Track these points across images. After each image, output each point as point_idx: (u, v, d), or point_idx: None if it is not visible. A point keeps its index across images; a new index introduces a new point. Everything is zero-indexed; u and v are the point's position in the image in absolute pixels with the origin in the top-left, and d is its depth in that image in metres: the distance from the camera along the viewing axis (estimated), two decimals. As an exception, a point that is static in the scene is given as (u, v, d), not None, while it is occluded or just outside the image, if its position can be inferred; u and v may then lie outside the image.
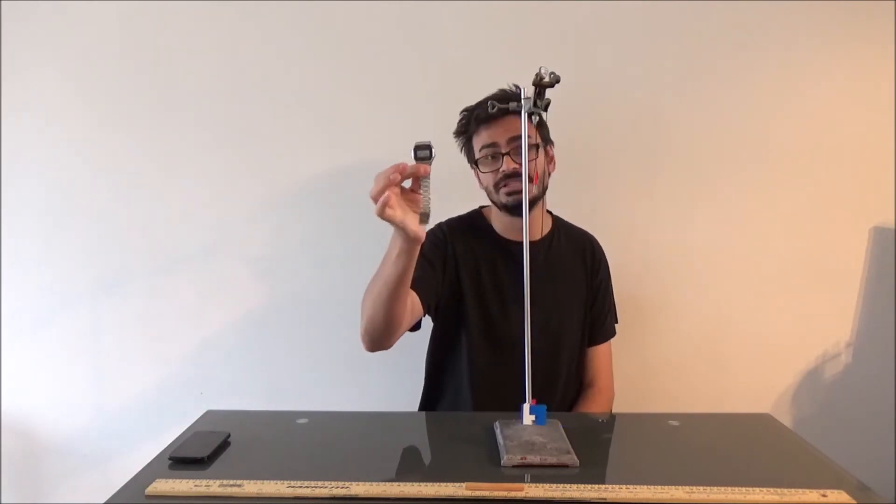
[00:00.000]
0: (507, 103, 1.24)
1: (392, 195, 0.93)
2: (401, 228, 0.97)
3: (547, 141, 1.37)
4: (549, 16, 1.65)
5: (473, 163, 1.39)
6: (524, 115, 1.00)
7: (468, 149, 1.40)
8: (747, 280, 1.72)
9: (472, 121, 1.35)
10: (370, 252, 1.74)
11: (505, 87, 1.34)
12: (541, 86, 0.96)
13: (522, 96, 0.99)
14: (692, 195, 1.70)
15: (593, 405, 1.42)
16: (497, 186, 1.33)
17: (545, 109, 0.99)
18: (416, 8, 1.67)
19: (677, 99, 1.68)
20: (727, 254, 1.71)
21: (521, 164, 1.28)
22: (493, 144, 1.32)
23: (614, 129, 1.69)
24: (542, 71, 0.94)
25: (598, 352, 1.47)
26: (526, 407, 1.00)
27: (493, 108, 1.14)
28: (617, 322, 1.51)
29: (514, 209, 1.32)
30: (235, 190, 1.75)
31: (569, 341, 1.41)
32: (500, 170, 1.31)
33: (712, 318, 1.73)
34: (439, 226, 1.46)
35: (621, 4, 1.65)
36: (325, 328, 1.77)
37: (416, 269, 1.27)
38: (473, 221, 1.47)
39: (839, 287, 1.71)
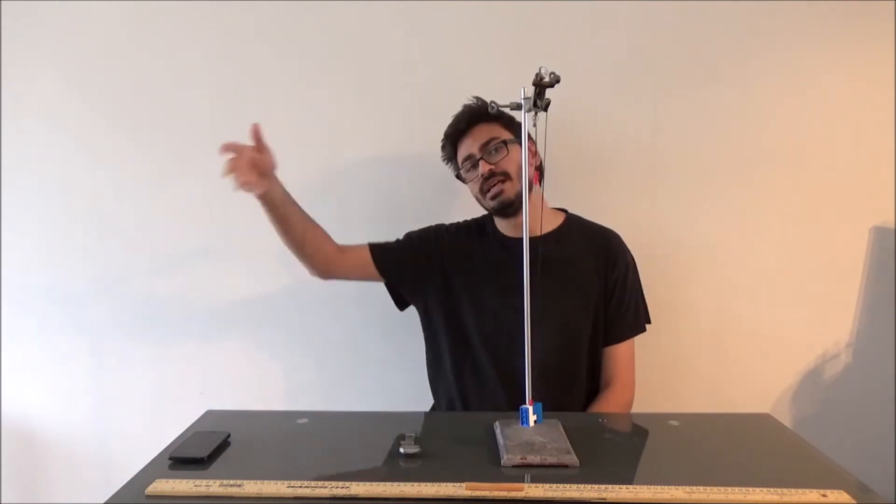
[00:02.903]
0: (476, 114, 1.36)
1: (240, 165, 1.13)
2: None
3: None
4: (550, 15, 1.65)
5: (461, 179, 1.43)
6: (524, 115, 1.00)
7: (455, 167, 1.45)
8: (747, 280, 1.71)
9: (448, 143, 1.42)
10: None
11: (468, 101, 1.40)
12: (541, 86, 0.96)
13: (522, 96, 0.99)
14: (692, 195, 1.70)
15: (607, 406, 1.37)
16: (483, 193, 1.37)
17: (545, 109, 0.99)
18: (415, 7, 1.67)
19: (678, 99, 1.67)
20: (727, 253, 1.71)
21: (495, 165, 1.34)
22: (470, 156, 1.37)
23: (616, 129, 1.69)
24: (542, 71, 0.94)
25: (618, 351, 1.41)
26: (530, 409, 0.98)
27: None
28: (649, 322, 1.46)
29: (501, 210, 1.37)
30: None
31: (575, 339, 1.37)
32: (479, 174, 1.35)
33: (712, 318, 1.73)
34: (441, 225, 1.49)
35: (621, 4, 1.65)
36: (326, 328, 1.77)
37: (393, 243, 1.45)
38: (481, 223, 1.49)
39: (839, 287, 1.71)
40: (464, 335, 1.40)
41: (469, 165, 1.38)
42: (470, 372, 1.40)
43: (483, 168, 1.34)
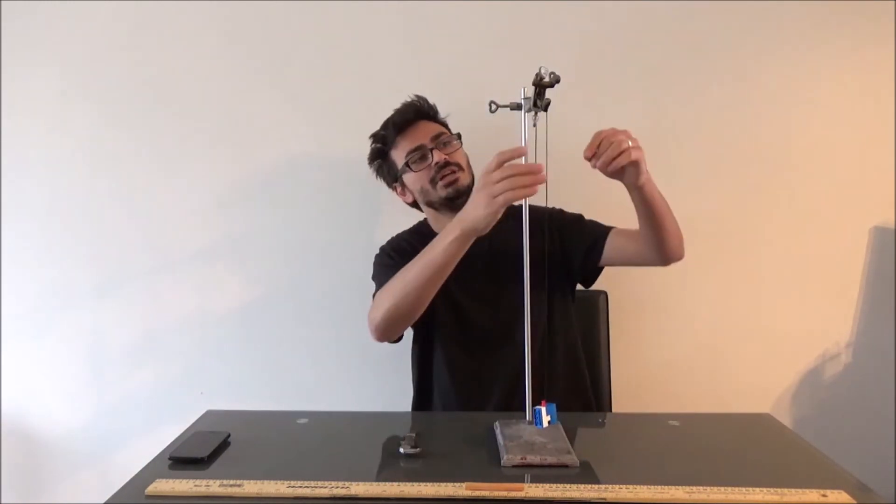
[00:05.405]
0: (422, 111, 1.38)
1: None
2: (493, 214, 1.02)
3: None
4: (549, 15, 1.65)
5: (397, 178, 1.40)
6: (524, 115, 1.00)
7: (387, 167, 1.42)
8: (747, 280, 1.71)
9: (391, 132, 1.38)
10: (371, 252, 1.76)
11: (408, 98, 1.40)
12: (541, 86, 0.96)
13: (522, 96, 0.99)
14: (691, 195, 1.70)
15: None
16: (433, 182, 1.34)
17: (545, 109, 0.99)
18: (415, 7, 1.67)
19: (677, 98, 1.67)
20: (727, 254, 1.71)
21: (449, 155, 1.34)
22: (419, 147, 1.35)
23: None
24: (542, 71, 0.95)
25: (618, 231, 1.38)
26: (543, 410, 0.97)
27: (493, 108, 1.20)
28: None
29: (454, 199, 1.33)
30: (235, 190, 1.75)
31: (540, 320, 1.28)
32: (433, 163, 1.33)
33: (712, 318, 1.73)
34: (383, 250, 1.45)
35: (621, 4, 1.65)
36: (326, 328, 1.77)
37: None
38: (420, 232, 1.47)
39: (839, 287, 1.71)
40: (442, 336, 1.40)
41: (418, 156, 1.35)
42: (453, 370, 1.38)
43: (438, 157, 1.33)
